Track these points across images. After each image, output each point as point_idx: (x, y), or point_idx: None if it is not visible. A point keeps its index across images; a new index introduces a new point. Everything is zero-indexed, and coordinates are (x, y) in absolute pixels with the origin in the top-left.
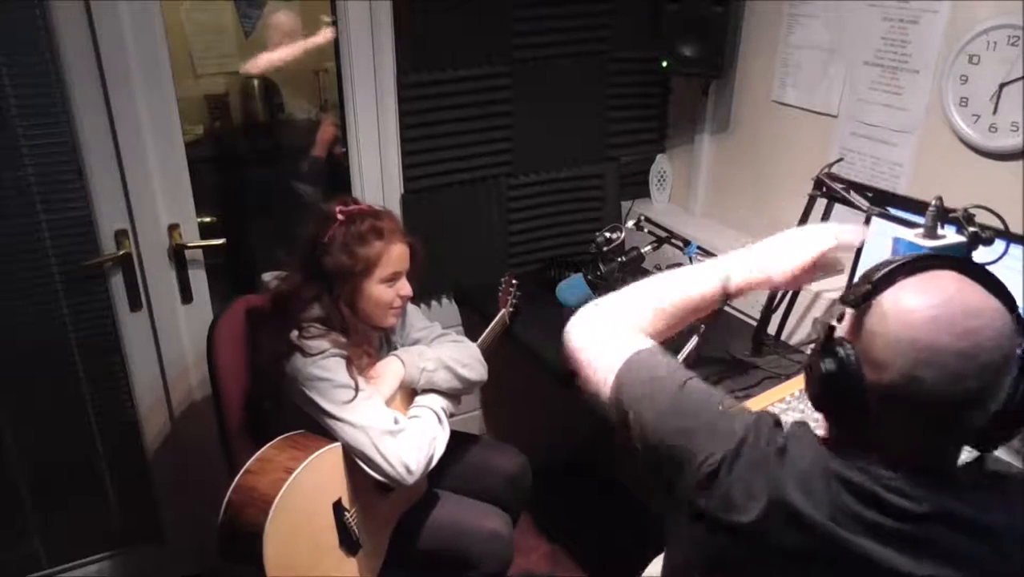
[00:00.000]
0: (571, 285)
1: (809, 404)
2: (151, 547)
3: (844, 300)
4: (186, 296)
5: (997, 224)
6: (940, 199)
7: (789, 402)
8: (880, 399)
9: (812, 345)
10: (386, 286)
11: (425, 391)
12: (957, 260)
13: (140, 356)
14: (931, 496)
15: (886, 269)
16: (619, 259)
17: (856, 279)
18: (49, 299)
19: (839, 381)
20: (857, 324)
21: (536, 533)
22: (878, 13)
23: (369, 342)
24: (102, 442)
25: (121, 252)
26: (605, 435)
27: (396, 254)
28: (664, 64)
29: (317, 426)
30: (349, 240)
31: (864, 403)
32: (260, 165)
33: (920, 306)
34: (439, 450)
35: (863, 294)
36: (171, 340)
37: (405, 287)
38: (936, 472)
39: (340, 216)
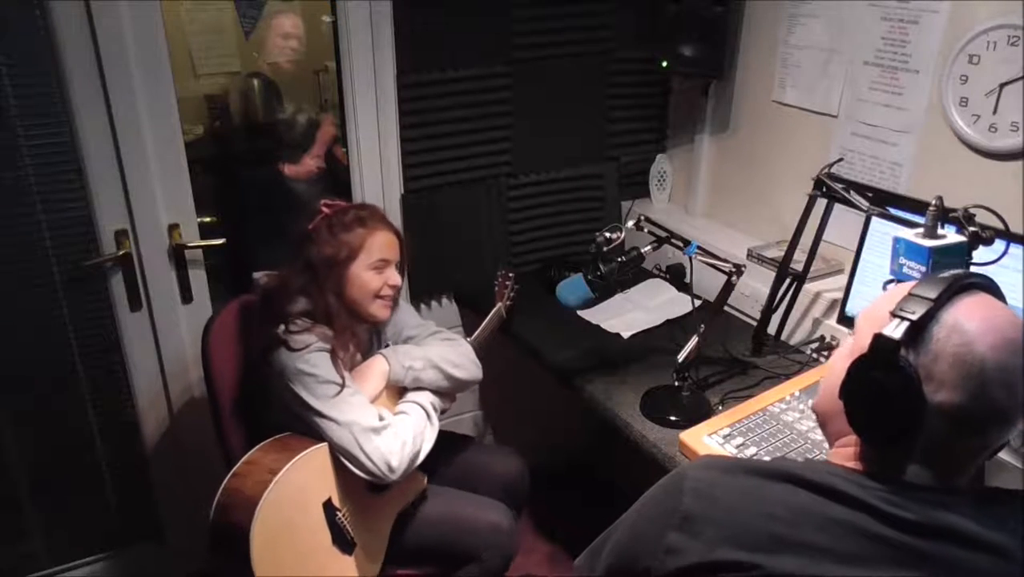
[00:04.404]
0: (571, 285)
1: (807, 404)
2: (151, 547)
3: (896, 313)
4: (186, 296)
5: (997, 224)
6: (940, 199)
7: (789, 402)
8: (944, 418)
9: (823, 349)
10: (373, 273)
11: (414, 389)
12: (989, 278)
13: (140, 356)
14: (934, 509)
15: (945, 286)
16: (619, 259)
17: (853, 285)
18: (49, 299)
19: (900, 398)
20: (912, 339)
21: (536, 534)
22: (878, 13)
23: (355, 333)
24: (102, 442)
25: (121, 252)
26: (605, 436)
27: (380, 241)
28: (664, 64)
29: (307, 423)
30: (334, 228)
31: (919, 421)
32: (260, 165)
33: (987, 328)
34: (426, 446)
35: (927, 311)
36: (171, 340)
37: (394, 276)
38: (943, 486)
39: (325, 209)
